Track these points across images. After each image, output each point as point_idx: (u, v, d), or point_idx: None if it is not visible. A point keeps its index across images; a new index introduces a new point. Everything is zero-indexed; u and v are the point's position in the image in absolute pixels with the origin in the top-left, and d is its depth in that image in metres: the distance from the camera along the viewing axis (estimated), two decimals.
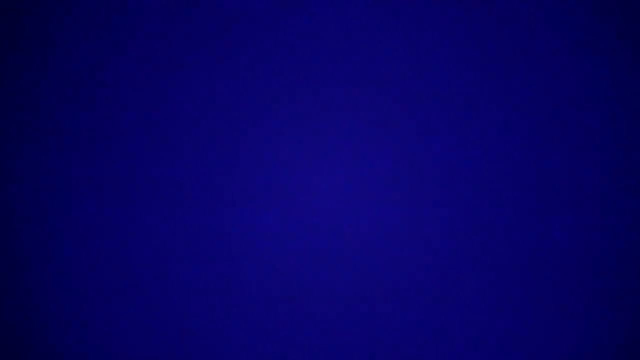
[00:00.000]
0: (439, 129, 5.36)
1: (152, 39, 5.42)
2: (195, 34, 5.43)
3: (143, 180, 5.38)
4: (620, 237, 5.32)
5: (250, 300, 5.36)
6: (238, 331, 5.36)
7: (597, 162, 5.35)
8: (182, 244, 5.38)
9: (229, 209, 5.36)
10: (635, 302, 5.30)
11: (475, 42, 5.38)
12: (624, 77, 5.35)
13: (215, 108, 5.40)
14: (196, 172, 5.39)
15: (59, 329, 5.38)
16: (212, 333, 5.36)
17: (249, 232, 5.37)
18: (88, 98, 5.42)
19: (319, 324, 5.35)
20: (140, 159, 5.40)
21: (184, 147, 5.39)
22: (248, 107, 5.41)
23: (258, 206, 5.37)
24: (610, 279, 5.32)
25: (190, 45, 5.43)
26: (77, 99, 5.43)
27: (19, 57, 5.44)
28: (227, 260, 5.37)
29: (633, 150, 5.33)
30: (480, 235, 5.33)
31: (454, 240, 5.32)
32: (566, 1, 5.34)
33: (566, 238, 5.33)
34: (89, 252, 5.38)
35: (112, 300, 5.37)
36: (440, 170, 5.35)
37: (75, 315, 5.38)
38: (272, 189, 5.38)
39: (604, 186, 5.35)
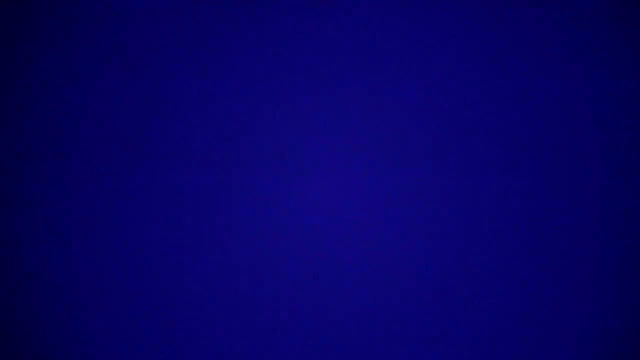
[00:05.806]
0: (442, 132, 5.36)
1: (151, 37, 5.44)
2: (192, 34, 5.45)
3: (139, 182, 5.40)
4: (623, 240, 5.31)
5: (248, 304, 5.38)
6: (236, 335, 5.38)
7: (600, 167, 5.35)
8: (180, 247, 5.40)
9: (226, 211, 5.38)
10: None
11: (478, 44, 5.38)
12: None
13: (214, 108, 5.42)
14: (193, 175, 5.40)
15: (57, 329, 5.41)
16: (210, 335, 5.38)
17: (248, 236, 5.38)
18: (87, 98, 5.44)
19: (318, 326, 5.36)
20: (139, 160, 5.42)
21: (182, 149, 5.41)
22: (247, 109, 5.42)
23: (258, 210, 5.39)
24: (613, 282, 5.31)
25: (188, 45, 5.44)
26: (76, 99, 5.45)
27: (18, 55, 5.47)
28: (225, 262, 5.39)
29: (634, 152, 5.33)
30: (482, 238, 5.34)
31: (461, 246, 5.33)
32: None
33: (566, 241, 5.33)
34: (87, 253, 5.41)
35: (112, 302, 5.39)
36: (444, 176, 5.35)
37: (73, 317, 5.40)
38: (271, 192, 5.39)
39: (606, 191, 5.34)
